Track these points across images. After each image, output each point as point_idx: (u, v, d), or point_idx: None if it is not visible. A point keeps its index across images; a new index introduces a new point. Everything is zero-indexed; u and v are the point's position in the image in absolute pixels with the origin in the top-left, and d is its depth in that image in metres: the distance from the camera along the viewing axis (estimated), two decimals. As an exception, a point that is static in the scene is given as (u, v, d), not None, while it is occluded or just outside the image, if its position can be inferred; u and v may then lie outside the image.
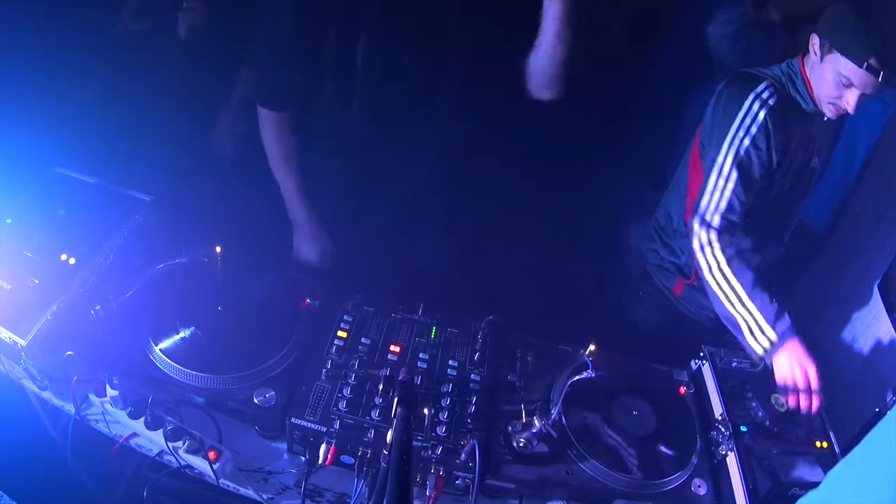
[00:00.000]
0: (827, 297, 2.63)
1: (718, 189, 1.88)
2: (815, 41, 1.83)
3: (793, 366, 1.76)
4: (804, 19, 2.06)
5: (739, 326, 1.84)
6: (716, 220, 1.88)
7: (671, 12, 2.47)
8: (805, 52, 1.88)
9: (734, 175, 1.86)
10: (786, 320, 1.81)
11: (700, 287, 2.02)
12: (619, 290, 2.43)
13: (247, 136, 2.21)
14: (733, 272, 1.85)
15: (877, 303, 2.27)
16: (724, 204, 1.88)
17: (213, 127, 2.31)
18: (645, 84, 2.44)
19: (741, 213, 1.89)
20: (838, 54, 1.77)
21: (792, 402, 1.75)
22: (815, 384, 1.74)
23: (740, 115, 1.85)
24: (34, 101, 1.97)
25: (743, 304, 1.84)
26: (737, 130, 1.86)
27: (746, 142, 1.85)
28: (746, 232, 1.97)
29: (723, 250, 1.87)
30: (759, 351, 1.81)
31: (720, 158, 1.87)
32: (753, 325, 1.82)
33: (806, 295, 2.77)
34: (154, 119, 2.17)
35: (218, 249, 1.69)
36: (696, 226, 1.91)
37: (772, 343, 1.79)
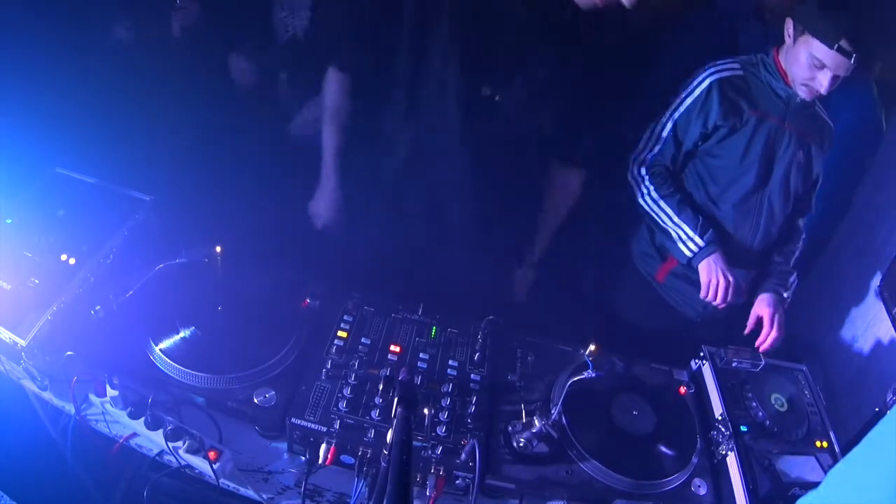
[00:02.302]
0: (827, 298, 2.63)
1: (655, 135, 2.12)
2: (788, 25, 1.90)
3: (716, 272, 2.03)
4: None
5: (671, 237, 2.10)
6: (647, 160, 2.13)
7: (671, 11, 2.47)
8: (781, 42, 1.93)
9: (668, 126, 2.08)
10: (710, 234, 2.06)
11: (680, 273, 2.20)
12: (614, 288, 2.44)
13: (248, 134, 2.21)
14: (661, 197, 2.10)
15: (877, 303, 2.27)
16: (656, 149, 2.12)
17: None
18: (641, 81, 2.44)
19: (671, 161, 2.12)
20: (810, 37, 1.81)
21: (710, 300, 2.06)
22: (731, 294, 2.04)
23: (691, 79, 2.05)
24: (34, 101, 1.97)
25: (672, 220, 2.09)
26: (683, 91, 2.05)
27: (688, 101, 2.04)
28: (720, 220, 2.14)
29: (652, 181, 2.11)
30: (688, 254, 2.08)
31: (665, 113, 2.09)
32: (683, 234, 2.08)
33: (806, 295, 2.77)
34: (154, 119, 2.18)
35: (218, 249, 1.69)
36: (631, 160, 2.16)
37: (699, 247, 2.05)
